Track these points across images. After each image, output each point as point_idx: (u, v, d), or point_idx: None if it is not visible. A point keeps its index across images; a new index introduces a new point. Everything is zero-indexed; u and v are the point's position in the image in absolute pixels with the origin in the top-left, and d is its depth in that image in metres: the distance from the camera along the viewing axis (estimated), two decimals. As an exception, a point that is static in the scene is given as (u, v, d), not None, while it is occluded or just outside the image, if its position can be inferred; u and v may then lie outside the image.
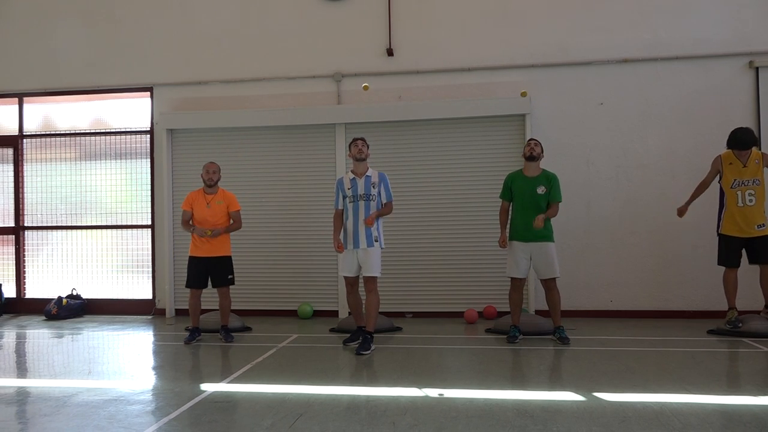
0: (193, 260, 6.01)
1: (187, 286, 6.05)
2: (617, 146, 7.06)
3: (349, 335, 5.88)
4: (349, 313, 7.07)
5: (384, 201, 5.65)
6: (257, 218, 7.31)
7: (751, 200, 5.76)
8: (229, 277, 6.10)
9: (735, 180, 5.81)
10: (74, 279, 8.14)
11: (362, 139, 5.71)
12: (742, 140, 5.77)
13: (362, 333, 5.55)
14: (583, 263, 7.03)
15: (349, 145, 5.75)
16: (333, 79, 7.56)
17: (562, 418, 3.56)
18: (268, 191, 7.58)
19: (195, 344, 5.94)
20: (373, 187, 5.56)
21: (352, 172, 5.67)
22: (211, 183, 6.04)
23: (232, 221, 6.14)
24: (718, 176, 5.96)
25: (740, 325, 5.82)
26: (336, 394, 4.17)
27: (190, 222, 6.03)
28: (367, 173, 5.62)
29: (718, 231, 5.97)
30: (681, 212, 6.06)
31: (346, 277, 5.69)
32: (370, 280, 5.52)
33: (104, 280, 8.10)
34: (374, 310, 5.51)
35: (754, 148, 5.84)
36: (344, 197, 5.64)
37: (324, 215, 7.41)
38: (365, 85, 6.16)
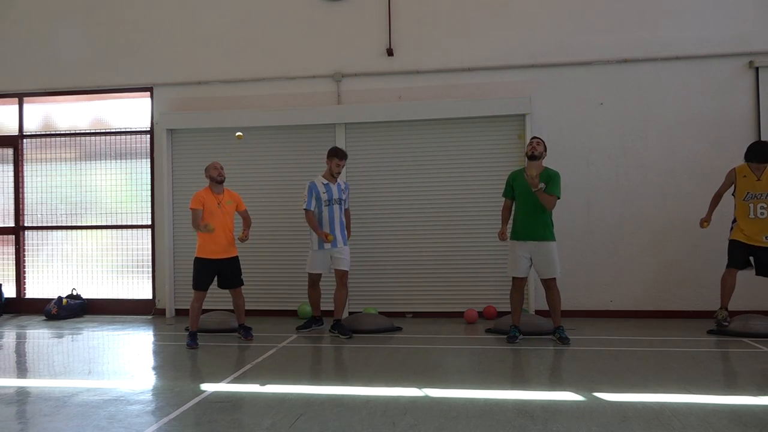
0: (203, 262, 5.89)
1: (197, 288, 5.90)
2: (617, 146, 7.06)
3: (305, 326, 6.53)
4: (350, 313, 7.11)
5: (345, 207, 6.38)
6: (257, 218, 7.26)
7: (762, 213, 5.77)
8: (241, 276, 6.13)
9: (748, 193, 5.82)
10: (74, 279, 8.14)
11: (346, 158, 6.34)
12: (762, 154, 5.78)
13: (337, 322, 6.20)
14: (583, 263, 7.02)
15: (334, 157, 6.23)
16: (333, 79, 7.56)
17: (562, 418, 3.57)
18: (267, 191, 7.57)
19: (195, 344, 5.94)
20: (343, 193, 6.31)
21: (325, 177, 6.29)
22: (222, 179, 5.99)
23: (243, 220, 6.23)
24: (732, 188, 5.97)
25: (726, 324, 5.85)
26: (336, 394, 4.17)
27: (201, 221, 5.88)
28: (338, 180, 6.33)
29: (729, 237, 5.99)
30: (702, 222, 5.99)
31: (316, 274, 6.33)
32: (346, 275, 6.27)
33: (104, 280, 8.10)
34: (346, 300, 6.39)
35: None
36: (318, 200, 6.18)
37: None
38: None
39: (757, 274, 5.95)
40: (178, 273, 7.67)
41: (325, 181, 6.25)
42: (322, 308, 7.25)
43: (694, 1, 7.01)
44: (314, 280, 6.37)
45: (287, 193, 7.55)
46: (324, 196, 6.18)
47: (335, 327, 6.18)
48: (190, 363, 5.32)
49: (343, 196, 6.31)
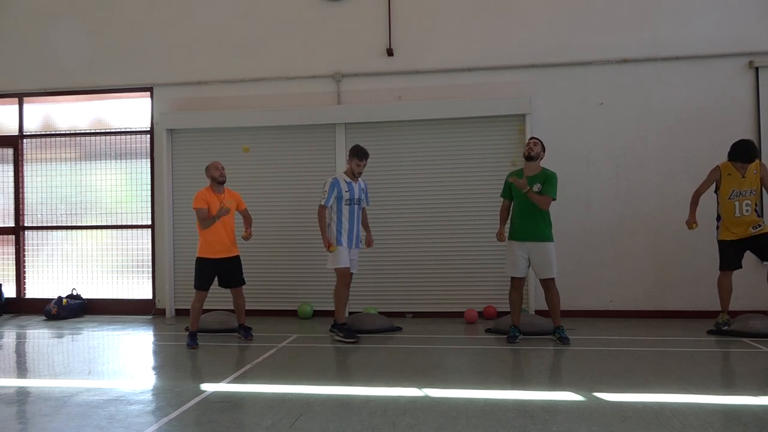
0: (206, 262, 5.87)
1: (199, 288, 5.87)
2: (617, 146, 7.06)
3: (355, 333, 5.97)
4: (350, 313, 7.10)
5: (364, 206, 6.25)
6: (257, 218, 7.26)
7: (747, 210, 5.78)
8: (242, 276, 6.12)
9: (733, 191, 5.81)
10: (74, 279, 8.14)
11: (366, 158, 6.11)
12: (747, 153, 5.74)
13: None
14: (583, 263, 7.02)
15: (354, 157, 6.04)
16: (333, 79, 7.56)
17: (562, 418, 3.57)
18: (267, 191, 7.57)
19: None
20: (363, 192, 6.18)
21: (347, 175, 6.10)
22: (224, 180, 5.97)
23: (243, 218, 6.21)
24: (714, 186, 5.95)
25: (725, 328, 5.86)
26: (336, 394, 4.17)
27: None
28: (359, 180, 6.17)
29: (717, 238, 5.99)
30: (690, 224, 5.91)
31: (347, 273, 6.01)
32: (352, 277, 6.23)
33: (104, 280, 8.10)
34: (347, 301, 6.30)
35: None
36: (338, 198, 5.97)
37: (324, 215, 7.41)
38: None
39: (763, 260, 5.94)
40: (178, 273, 7.68)
41: (348, 180, 6.06)
42: (318, 308, 7.32)
43: (694, 1, 7.01)
44: (348, 276, 6.06)
45: (287, 193, 7.57)
46: (346, 195, 5.98)
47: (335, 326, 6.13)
48: (190, 363, 5.32)
49: (363, 196, 6.17)
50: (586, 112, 7.12)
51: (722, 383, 4.45)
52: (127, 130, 8.10)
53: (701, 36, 6.94)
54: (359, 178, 6.15)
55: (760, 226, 5.77)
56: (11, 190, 8.31)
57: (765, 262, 6.03)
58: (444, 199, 7.27)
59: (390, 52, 7.43)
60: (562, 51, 7.16)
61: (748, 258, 5.97)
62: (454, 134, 7.28)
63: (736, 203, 5.80)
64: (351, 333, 5.91)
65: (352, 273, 6.16)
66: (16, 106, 8.30)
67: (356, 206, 6.05)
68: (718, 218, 5.98)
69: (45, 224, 8.27)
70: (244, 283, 6.14)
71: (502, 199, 5.97)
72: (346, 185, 6.01)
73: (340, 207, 5.99)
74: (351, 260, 6.08)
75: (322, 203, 5.96)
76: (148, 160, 7.97)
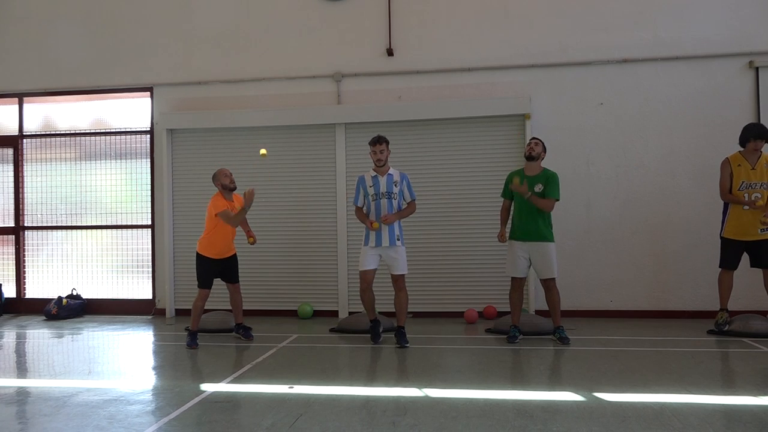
0: (209, 261, 5.88)
1: (204, 287, 5.89)
2: (617, 146, 7.06)
3: (372, 335, 5.86)
4: (350, 313, 7.10)
5: (407, 200, 5.81)
6: (257, 218, 7.28)
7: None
8: (238, 273, 6.13)
9: (743, 182, 5.77)
10: (74, 279, 8.14)
11: (380, 143, 5.70)
12: (756, 129, 5.71)
13: (398, 329, 5.70)
14: (583, 263, 7.02)
15: (369, 146, 5.79)
16: (333, 79, 7.56)
17: (562, 418, 3.57)
18: (268, 191, 7.56)
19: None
20: (395, 185, 5.71)
21: (374, 170, 5.79)
22: (234, 187, 5.93)
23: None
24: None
25: (725, 327, 5.84)
26: (336, 394, 4.17)
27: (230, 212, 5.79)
28: (389, 172, 5.76)
29: (720, 234, 5.95)
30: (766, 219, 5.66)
31: (365, 272, 5.68)
32: (400, 279, 5.70)
33: (104, 280, 8.10)
34: (406, 305, 5.75)
35: (764, 152, 5.79)
36: (366, 195, 5.76)
37: (324, 215, 7.43)
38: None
39: (752, 266, 5.91)
40: (178, 273, 7.68)
41: (374, 174, 5.75)
42: (318, 308, 7.28)
43: (694, 1, 7.01)
44: (365, 279, 5.68)
45: (287, 193, 7.57)
46: (371, 190, 5.70)
47: (397, 334, 5.71)
48: (190, 363, 5.32)
49: (394, 189, 5.68)
50: (586, 112, 7.12)
51: (722, 383, 4.45)
52: (127, 130, 8.10)
53: (701, 36, 6.94)
54: (391, 169, 5.77)
55: (766, 229, 5.70)
56: (11, 190, 8.30)
57: (753, 267, 5.93)
58: (444, 199, 7.26)
59: (390, 52, 7.43)
60: (562, 51, 7.16)
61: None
62: (454, 134, 7.28)
63: (746, 195, 5.75)
64: (374, 333, 5.84)
65: (401, 274, 5.67)
66: (16, 106, 8.30)
67: (386, 200, 5.66)
68: (725, 211, 5.92)
69: (45, 224, 8.27)
70: (238, 281, 6.15)
71: (502, 199, 5.97)
72: (371, 180, 5.74)
73: (368, 203, 5.75)
74: (394, 259, 5.65)
75: (354, 202, 5.87)
76: (148, 160, 7.97)
